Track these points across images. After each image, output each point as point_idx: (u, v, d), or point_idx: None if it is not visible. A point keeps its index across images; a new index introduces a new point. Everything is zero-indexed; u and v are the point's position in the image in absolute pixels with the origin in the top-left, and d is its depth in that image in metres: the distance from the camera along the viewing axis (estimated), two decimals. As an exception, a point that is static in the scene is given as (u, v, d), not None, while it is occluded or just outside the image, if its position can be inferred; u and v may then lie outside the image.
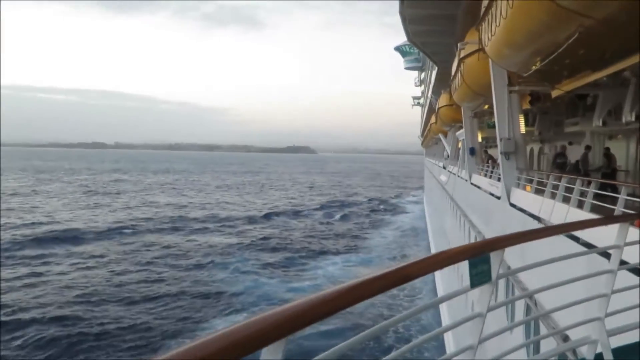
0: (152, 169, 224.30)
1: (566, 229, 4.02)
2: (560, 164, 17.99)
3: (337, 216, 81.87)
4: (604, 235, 8.28)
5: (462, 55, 18.31)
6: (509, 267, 14.13)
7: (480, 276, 2.92)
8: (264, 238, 60.32)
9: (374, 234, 65.72)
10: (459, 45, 18.20)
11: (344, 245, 57.88)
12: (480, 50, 15.46)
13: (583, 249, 8.59)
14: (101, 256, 48.33)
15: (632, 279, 5.44)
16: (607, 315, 4.18)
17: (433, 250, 46.40)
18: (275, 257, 50.40)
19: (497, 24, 10.40)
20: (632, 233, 4.56)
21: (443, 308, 31.05)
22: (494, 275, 3.04)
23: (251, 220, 74.05)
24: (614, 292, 4.18)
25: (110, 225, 63.54)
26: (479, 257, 2.89)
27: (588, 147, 18.13)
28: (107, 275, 41.46)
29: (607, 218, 4.66)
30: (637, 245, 4.67)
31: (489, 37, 11.51)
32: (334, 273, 43.93)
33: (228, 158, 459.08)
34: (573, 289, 7.37)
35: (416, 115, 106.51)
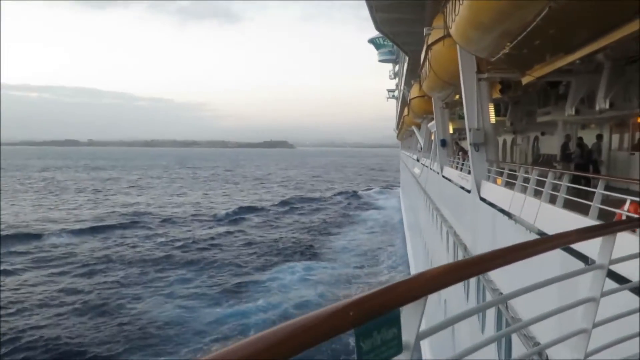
0: (116, 166, 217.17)
1: (540, 247, 2.88)
2: (567, 156, 16.61)
3: (303, 214, 76.52)
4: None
5: (429, 42, 17.45)
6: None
7: (381, 351, 1.67)
8: (216, 242, 54.34)
9: (342, 235, 60.29)
10: (424, 30, 17.30)
11: (306, 250, 51.46)
12: (447, 36, 14.64)
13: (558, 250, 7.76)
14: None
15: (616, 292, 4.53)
16: (588, 354, 3.24)
17: (409, 250, 45.27)
18: (223, 268, 43.56)
19: (461, 2, 9.54)
20: (622, 240, 3.57)
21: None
22: (409, 337, 1.87)
23: (208, 220, 68.89)
24: (595, 325, 3.23)
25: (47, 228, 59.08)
26: (379, 320, 1.67)
27: (600, 137, 17.21)
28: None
29: (598, 228, 3.53)
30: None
31: (453, 18, 10.66)
32: (293, 297, 35.52)
33: (205, 154, 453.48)
34: (549, 296, 6.54)
35: (392, 108, 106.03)
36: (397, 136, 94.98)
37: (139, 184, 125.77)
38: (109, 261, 45.08)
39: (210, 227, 63.50)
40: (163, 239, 55.47)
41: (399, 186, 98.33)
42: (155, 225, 63.81)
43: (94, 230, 58.86)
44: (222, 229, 62.12)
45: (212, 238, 56.35)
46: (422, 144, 42.59)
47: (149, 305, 33.64)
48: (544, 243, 3.00)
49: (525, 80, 13.59)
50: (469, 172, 15.99)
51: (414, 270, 37.15)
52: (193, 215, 72.86)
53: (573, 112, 15.57)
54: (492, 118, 15.47)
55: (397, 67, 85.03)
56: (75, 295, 35.60)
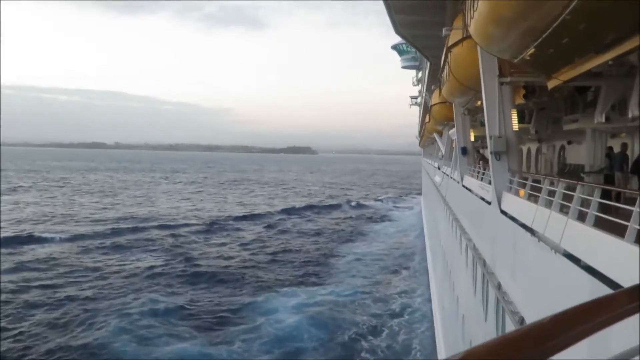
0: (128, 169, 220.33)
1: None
2: (621, 167, 14.49)
3: (311, 226, 71.61)
4: (616, 259, 6.48)
5: (448, 44, 16.46)
6: (499, 284, 12.36)
7: None
8: (210, 255, 49.06)
9: (352, 251, 54.23)
10: (443, 30, 16.31)
11: (309, 270, 45.06)
12: (467, 37, 13.67)
13: (582, 272, 6.76)
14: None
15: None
16: None
17: (430, 266, 43.40)
18: (209, 290, 37.68)
19: (480, -5, 8.59)
20: None
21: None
22: None
23: (209, 229, 64.48)
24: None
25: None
26: None
27: None
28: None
29: None
30: None
31: (472, 14, 9.70)
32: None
33: (227, 159, 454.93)
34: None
35: (415, 115, 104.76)
36: (419, 143, 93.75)
37: (153, 189, 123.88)
38: (86, 272, 41.71)
39: (208, 238, 59.50)
40: (153, 249, 51.68)
41: (420, 194, 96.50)
42: (151, 233, 59.96)
43: (86, 237, 55.97)
44: (220, 240, 58.22)
45: (207, 251, 51.68)
46: (443, 151, 41.45)
47: (106, 332, 28.92)
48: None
49: (551, 84, 12.52)
50: (490, 183, 14.97)
51: (434, 294, 35.05)
52: (195, 222, 69.57)
53: (603, 120, 14.43)
54: (515, 125, 14.41)
55: (420, 74, 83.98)
56: (35, 309, 32.76)
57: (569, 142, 23.73)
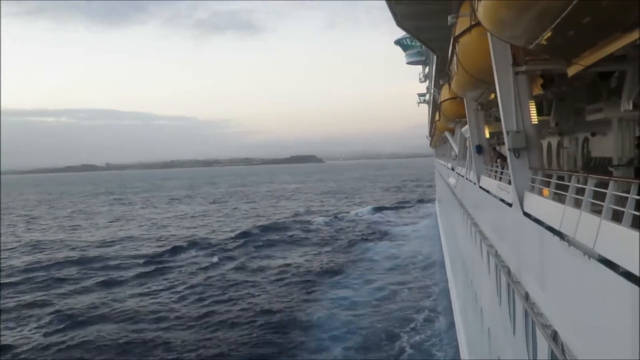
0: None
1: None
2: None
3: (290, 250, 62.84)
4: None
5: (455, 33, 16.08)
6: (526, 295, 11.93)
7: None
8: (140, 309, 40.12)
9: (338, 288, 43.93)
10: (449, 19, 15.92)
11: (273, 320, 35.20)
12: (476, 25, 13.30)
13: (621, 279, 6.36)
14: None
15: None
16: None
17: (449, 276, 42.79)
18: None
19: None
20: None
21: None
22: None
23: (149, 269, 55.06)
24: None
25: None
26: None
27: None
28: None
29: None
30: None
31: (480, -4, 9.35)
32: None
33: (225, 173, 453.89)
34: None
35: (424, 114, 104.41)
36: (430, 144, 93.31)
37: (123, 216, 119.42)
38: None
39: (150, 275, 52.41)
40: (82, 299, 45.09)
41: (430, 202, 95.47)
42: (93, 273, 54.43)
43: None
44: (158, 280, 50.46)
45: (136, 304, 42.42)
46: (456, 151, 40.98)
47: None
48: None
49: (571, 71, 12.09)
50: (510, 182, 14.55)
51: (455, 305, 34.29)
52: (142, 256, 63.45)
53: (630, 107, 14.02)
54: (534, 118, 14.01)
55: (426, 69, 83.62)
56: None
57: (593, 134, 23.27)
